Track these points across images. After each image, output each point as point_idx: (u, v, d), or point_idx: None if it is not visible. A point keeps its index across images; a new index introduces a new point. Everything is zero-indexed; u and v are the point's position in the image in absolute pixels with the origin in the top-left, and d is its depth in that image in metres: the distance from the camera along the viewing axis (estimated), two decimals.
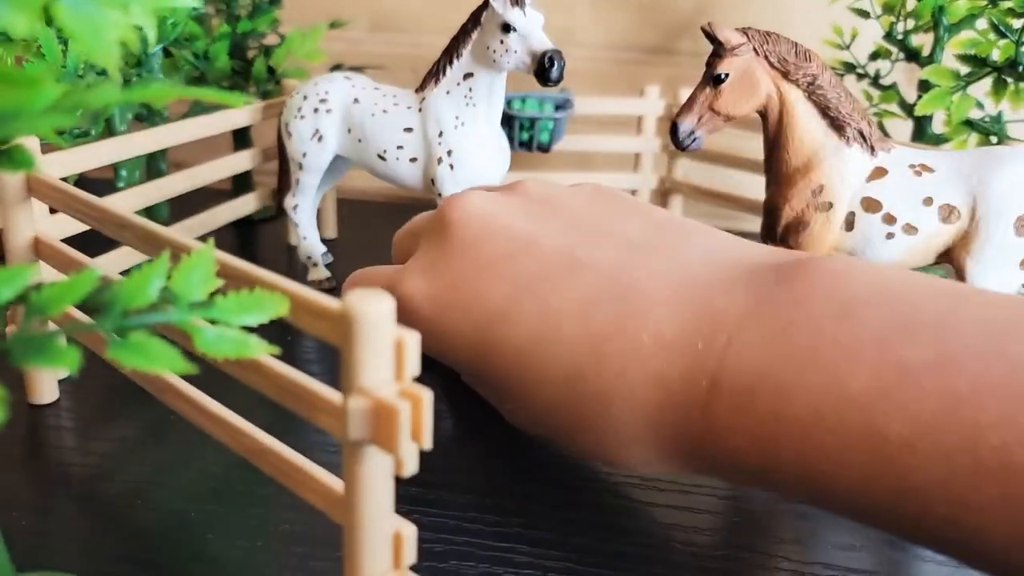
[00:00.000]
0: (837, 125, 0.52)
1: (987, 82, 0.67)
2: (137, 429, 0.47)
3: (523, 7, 0.55)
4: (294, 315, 0.28)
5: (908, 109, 0.77)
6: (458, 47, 0.59)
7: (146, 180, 0.67)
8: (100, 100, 0.20)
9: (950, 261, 0.52)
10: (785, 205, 0.54)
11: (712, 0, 0.94)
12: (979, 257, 0.50)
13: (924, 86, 0.76)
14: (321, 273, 0.70)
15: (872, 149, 0.52)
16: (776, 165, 0.55)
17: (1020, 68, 0.65)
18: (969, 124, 0.68)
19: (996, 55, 0.66)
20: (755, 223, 0.60)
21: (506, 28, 0.55)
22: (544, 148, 0.76)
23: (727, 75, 0.52)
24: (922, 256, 0.52)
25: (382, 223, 0.90)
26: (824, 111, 0.52)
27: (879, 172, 0.52)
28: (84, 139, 0.55)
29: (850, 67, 0.78)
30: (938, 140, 0.76)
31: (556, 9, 0.96)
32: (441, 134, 0.60)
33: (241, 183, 0.85)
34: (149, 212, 0.71)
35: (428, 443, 0.26)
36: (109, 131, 0.59)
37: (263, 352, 0.24)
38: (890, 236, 0.51)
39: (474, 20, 0.58)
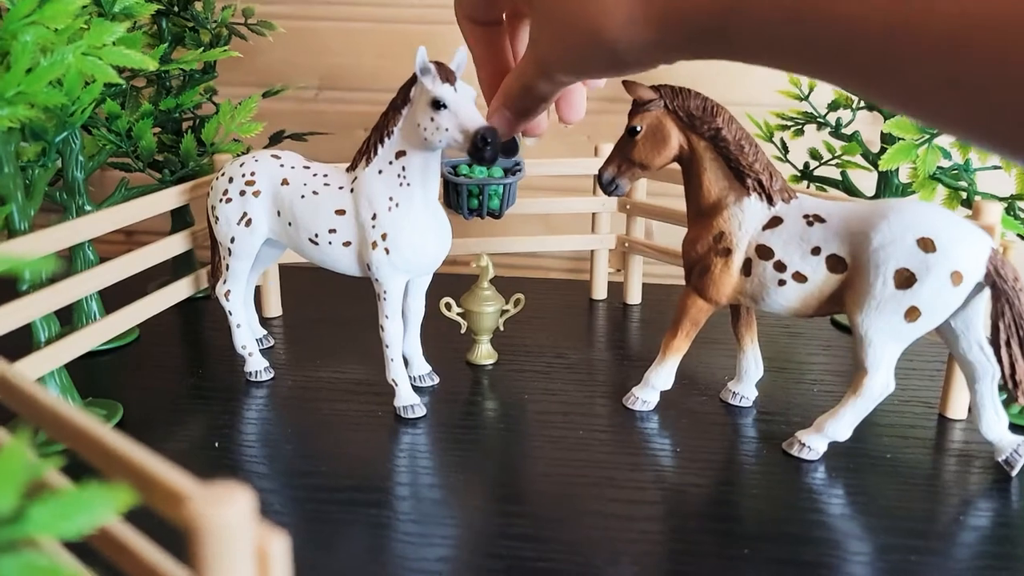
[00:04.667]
0: (740, 176, 0.54)
1: None
2: None
3: (453, 82, 0.51)
4: (146, 497, 0.24)
5: (873, 161, 0.73)
6: (388, 124, 0.55)
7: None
8: None
9: (843, 310, 0.52)
10: (692, 249, 0.56)
11: None
12: (863, 307, 0.50)
13: (887, 139, 0.73)
14: (257, 364, 0.65)
15: (770, 199, 0.53)
16: (689, 212, 0.57)
17: None
18: (936, 177, 0.65)
19: None
20: None
21: (436, 104, 0.51)
22: (495, 214, 0.72)
23: (640, 128, 0.55)
24: (816, 303, 0.53)
25: (329, 297, 0.84)
26: (728, 162, 0.54)
27: (775, 221, 0.53)
28: None
29: (810, 117, 0.75)
30: (904, 191, 0.73)
31: None
32: (375, 216, 0.56)
33: (181, 264, 0.80)
34: (78, 306, 0.66)
35: None
36: (8, 231, 0.54)
37: None
38: (782, 283, 0.53)
39: (404, 96, 0.54)
